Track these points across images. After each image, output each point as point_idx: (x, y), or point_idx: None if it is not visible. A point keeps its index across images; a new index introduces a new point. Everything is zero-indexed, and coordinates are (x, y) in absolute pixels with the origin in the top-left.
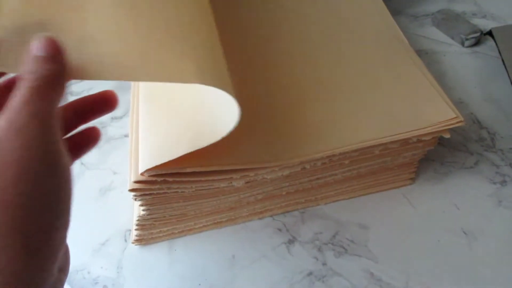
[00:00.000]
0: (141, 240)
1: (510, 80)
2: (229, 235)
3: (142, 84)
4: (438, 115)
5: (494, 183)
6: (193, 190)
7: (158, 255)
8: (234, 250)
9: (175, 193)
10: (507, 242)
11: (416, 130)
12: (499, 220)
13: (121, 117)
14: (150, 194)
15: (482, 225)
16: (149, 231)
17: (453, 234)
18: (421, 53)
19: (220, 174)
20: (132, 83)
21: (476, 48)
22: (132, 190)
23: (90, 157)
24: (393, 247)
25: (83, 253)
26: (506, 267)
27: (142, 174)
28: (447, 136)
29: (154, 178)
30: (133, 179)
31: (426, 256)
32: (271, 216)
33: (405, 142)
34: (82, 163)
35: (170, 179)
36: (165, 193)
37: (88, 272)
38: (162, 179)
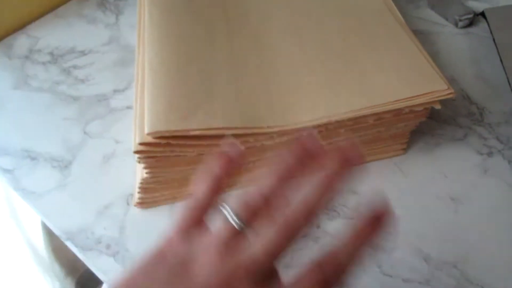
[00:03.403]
0: (143, 203)
1: (501, 60)
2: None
3: (147, 53)
4: (430, 86)
5: (481, 154)
6: (195, 154)
7: (159, 218)
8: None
9: (178, 156)
10: (491, 207)
11: (408, 99)
12: (484, 188)
13: (123, 90)
14: (154, 157)
15: (468, 192)
16: (151, 195)
17: (441, 200)
18: (417, 34)
19: (222, 139)
20: (136, 52)
21: (470, 29)
22: (136, 152)
23: (93, 127)
24: None
25: (87, 215)
26: (490, 230)
27: (148, 134)
28: (438, 107)
29: (158, 141)
30: (138, 141)
31: (415, 219)
32: None
33: (397, 112)
34: (85, 132)
35: (173, 142)
36: (168, 156)
37: (92, 232)
38: (165, 142)
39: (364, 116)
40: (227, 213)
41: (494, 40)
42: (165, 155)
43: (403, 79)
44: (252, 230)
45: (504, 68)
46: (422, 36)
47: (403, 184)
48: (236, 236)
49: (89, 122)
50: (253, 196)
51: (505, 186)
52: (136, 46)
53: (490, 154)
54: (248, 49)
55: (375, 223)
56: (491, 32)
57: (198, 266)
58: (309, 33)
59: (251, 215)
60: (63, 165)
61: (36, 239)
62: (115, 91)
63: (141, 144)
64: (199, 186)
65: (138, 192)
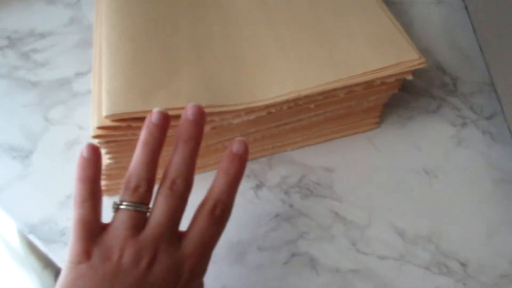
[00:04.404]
0: (109, 191)
1: (474, 29)
2: (198, 183)
3: (105, 29)
4: (401, 56)
5: (455, 125)
6: None
7: None
8: (203, 197)
9: None
10: (465, 179)
11: (379, 70)
12: (458, 159)
13: (86, 73)
14: (115, 141)
15: (442, 164)
16: (116, 181)
17: (415, 173)
18: (389, 4)
19: None
20: (94, 31)
21: None
22: (95, 136)
23: (55, 113)
24: (357, 187)
25: (50, 206)
26: (464, 201)
27: (106, 117)
28: (410, 77)
29: (117, 124)
30: (96, 124)
31: (389, 194)
32: None
33: (369, 84)
34: (46, 119)
35: (135, 125)
36: (130, 139)
37: (55, 224)
38: (126, 124)
39: (335, 90)
40: (120, 204)
41: (466, 8)
42: (126, 138)
43: (373, 50)
44: (146, 206)
45: (477, 37)
46: (394, 6)
47: (376, 159)
48: (135, 216)
49: (50, 108)
50: (132, 176)
51: (479, 156)
52: (94, 24)
53: (464, 125)
54: (213, 24)
55: (234, 157)
56: (463, 1)
57: (119, 254)
58: (277, 6)
59: (138, 194)
60: (24, 155)
61: (9, 231)
62: (78, 74)
63: (99, 128)
64: (79, 191)
65: (102, 179)
